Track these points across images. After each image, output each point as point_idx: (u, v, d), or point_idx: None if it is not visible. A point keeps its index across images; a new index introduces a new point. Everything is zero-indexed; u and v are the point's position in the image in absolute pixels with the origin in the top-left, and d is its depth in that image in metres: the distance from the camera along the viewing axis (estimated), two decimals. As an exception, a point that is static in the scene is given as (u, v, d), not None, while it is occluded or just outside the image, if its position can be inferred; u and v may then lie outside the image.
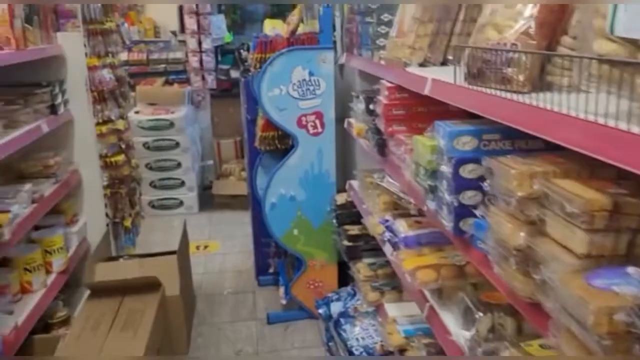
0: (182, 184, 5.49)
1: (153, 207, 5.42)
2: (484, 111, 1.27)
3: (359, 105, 2.46)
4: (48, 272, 2.87)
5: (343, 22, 3.30)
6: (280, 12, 7.27)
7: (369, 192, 2.63)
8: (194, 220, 5.26)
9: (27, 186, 2.68)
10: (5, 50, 2.52)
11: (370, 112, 2.21)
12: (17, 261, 2.67)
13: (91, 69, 3.23)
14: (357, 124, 2.65)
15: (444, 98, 1.47)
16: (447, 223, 1.41)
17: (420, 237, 1.99)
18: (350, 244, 2.93)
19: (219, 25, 5.76)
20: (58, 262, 2.93)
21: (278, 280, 3.74)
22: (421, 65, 1.91)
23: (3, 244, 2.27)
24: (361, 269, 2.74)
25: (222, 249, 4.62)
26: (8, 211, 2.36)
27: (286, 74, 3.06)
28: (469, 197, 1.35)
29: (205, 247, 4.64)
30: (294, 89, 3.09)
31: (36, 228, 2.95)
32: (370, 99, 2.24)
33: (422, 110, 2.02)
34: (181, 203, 5.52)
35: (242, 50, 3.71)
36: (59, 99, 3.07)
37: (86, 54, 3.23)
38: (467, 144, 1.34)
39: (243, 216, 5.26)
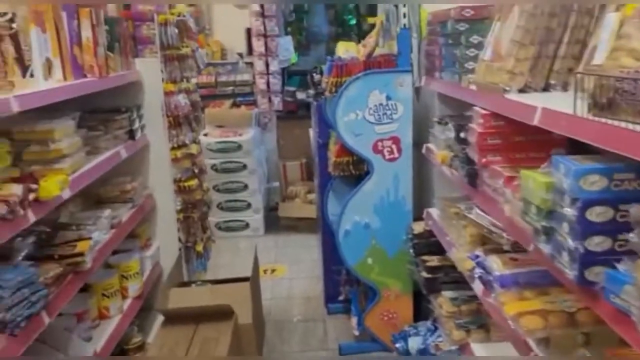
0: (249, 206, 5.49)
1: (220, 228, 5.43)
2: (616, 147, 1.13)
3: (446, 132, 2.33)
4: (124, 297, 2.87)
5: (420, 43, 3.19)
6: (345, 33, 7.27)
7: (453, 222, 2.48)
8: (259, 242, 5.22)
9: (107, 212, 2.70)
10: (89, 78, 2.56)
11: (461, 140, 2.09)
12: (96, 287, 2.68)
13: (167, 94, 3.26)
14: (440, 151, 2.52)
15: (561, 130, 1.33)
16: (569, 271, 1.26)
17: (518, 277, 1.84)
18: (429, 275, 2.79)
19: (286, 47, 5.77)
20: (134, 287, 2.94)
21: (348, 308, 3.62)
22: (521, 91, 1.78)
23: (85, 271, 2.27)
24: (443, 303, 2.59)
25: (289, 273, 4.55)
26: (89, 238, 2.37)
27: (362, 98, 2.98)
28: (597, 243, 1.21)
29: (272, 271, 4.59)
30: (370, 114, 3.00)
31: (113, 252, 2.97)
32: (460, 126, 2.11)
33: (521, 139, 1.88)
34: (247, 225, 5.51)
35: (314, 74, 3.67)
36: (137, 124, 3.11)
37: (162, 79, 3.26)
38: (595, 183, 1.20)
39: (309, 239, 5.20)
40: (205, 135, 5.40)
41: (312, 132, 5.57)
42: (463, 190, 2.26)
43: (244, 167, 5.40)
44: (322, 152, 3.62)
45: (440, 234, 2.72)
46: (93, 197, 2.99)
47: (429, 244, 2.94)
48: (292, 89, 6.10)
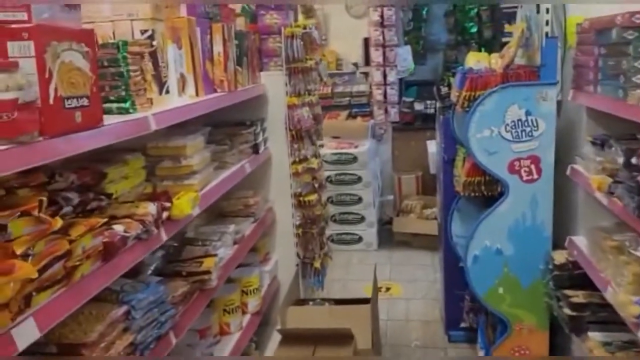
0: (362, 219, 5.36)
1: (332, 241, 5.34)
2: None
3: (607, 155, 2.04)
4: (244, 313, 2.84)
5: (565, 53, 2.89)
6: (465, 42, 6.92)
7: (609, 257, 2.17)
8: (373, 257, 5.09)
9: (231, 227, 2.68)
10: (219, 93, 2.55)
11: (632, 167, 1.80)
12: (218, 302, 2.67)
13: (290, 107, 3.21)
14: (594, 176, 2.22)
15: None
16: None
17: None
18: (574, 313, 2.48)
19: (405, 57, 5.58)
20: (253, 303, 2.90)
21: (472, 337, 3.36)
22: None
23: (211, 289, 2.24)
24: (594, 348, 2.27)
25: (405, 293, 4.35)
26: (215, 255, 2.35)
27: (499, 114, 2.73)
28: None
29: (387, 289, 4.41)
30: (507, 130, 2.74)
31: (233, 266, 2.96)
32: (632, 151, 1.82)
33: None
34: (360, 239, 5.38)
35: (441, 86, 3.46)
36: (260, 138, 3.09)
37: (286, 93, 3.22)
38: None
39: (424, 257, 4.98)
40: (322, 146, 5.34)
41: (429, 145, 5.34)
42: (629, 222, 1.95)
43: (359, 179, 5.28)
44: (447, 168, 3.39)
45: (589, 267, 2.40)
46: (216, 210, 3.00)
47: (572, 276, 2.62)
48: (409, 99, 5.91)
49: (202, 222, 2.82)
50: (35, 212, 1.23)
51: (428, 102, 5.80)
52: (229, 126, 2.95)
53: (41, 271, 1.24)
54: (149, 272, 2.21)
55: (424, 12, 6.78)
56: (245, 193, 3.06)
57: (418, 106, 5.86)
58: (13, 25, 1.23)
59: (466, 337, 3.48)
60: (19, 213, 1.19)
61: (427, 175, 5.62)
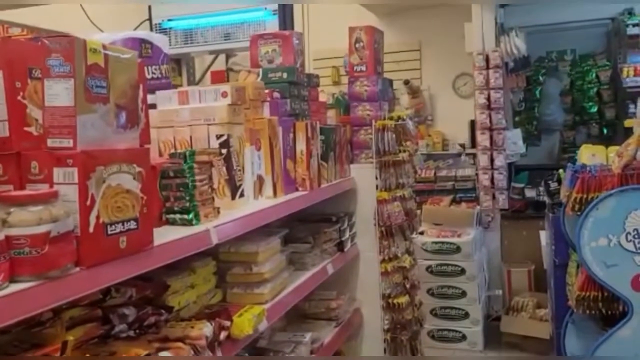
0: (466, 315, 4.91)
1: (433, 337, 4.93)
2: None
3: None
4: None
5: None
6: (583, 122, 6.43)
7: None
8: (477, 359, 4.61)
9: (308, 336, 2.49)
10: (300, 192, 2.45)
11: None
12: (291, 419, 2.45)
13: (380, 202, 3.04)
14: None
15: None
16: None
17: None
18: None
19: (514, 141, 5.25)
20: (331, 420, 2.65)
21: None
22: None
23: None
24: None
25: (513, 408, 3.83)
26: (285, 370, 2.17)
27: (618, 220, 2.37)
28: None
29: (492, 402, 3.91)
30: (628, 240, 2.36)
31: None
32: None
33: None
34: (464, 337, 4.91)
35: (550, 182, 3.12)
36: (347, 235, 2.93)
37: (377, 187, 3.06)
38: None
39: (537, 366, 4.42)
40: (421, 233, 5.06)
41: (542, 235, 4.86)
42: None
43: (462, 271, 4.89)
44: (558, 275, 2.99)
45: None
46: (297, 311, 2.83)
47: None
48: (520, 185, 5.49)
49: (281, 325, 2.67)
50: (57, 355, 1.13)
51: (541, 188, 5.34)
52: (313, 222, 2.83)
53: (62, 418, 1.13)
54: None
55: (537, 92, 6.44)
56: (328, 294, 2.88)
57: (529, 193, 5.42)
58: (59, 152, 1.20)
59: None
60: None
61: (540, 269, 5.08)
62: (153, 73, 2.28)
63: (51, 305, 1.12)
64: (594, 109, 6.30)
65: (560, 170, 3.10)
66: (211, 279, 2.06)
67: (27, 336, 1.22)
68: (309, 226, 2.78)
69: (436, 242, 4.97)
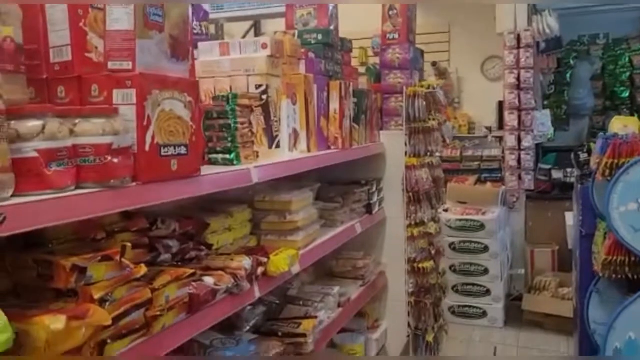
0: (488, 292, 4.94)
1: (453, 313, 4.97)
2: None
3: None
4: (345, 382, 2.67)
5: None
6: (614, 107, 6.37)
7: None
8: (497, 335, 4.64)
9: (336, 289, 2.56)
10: (332, 150, 2.51)
11: None
12: (317, 368, 2.53)
13: (409, 168, 3.09)
14: None
15: None
16: None
17: None
18: None
19: (543, 122, 5.22)
20: (355, 374, 2.73)
21: None
22: None
23: (306, 353, 2.12)
24: None
25: (532, 381, 3.87)
26: (315, 317, 2.24)
27: (648, 185, 2.37)
28: None
29: (512, 375, 3.96)
30: (657, 204, 2.37)
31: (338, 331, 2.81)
32: None
33: None
34: (484, 314, 4.94)
35: (580, 153, 3.13)
36: (375, 198, 2.98)
37: (406, 153, 3.11)
38: None
39: (558, 342, 4.42)
40: (446, 211, 5.09)
41: (568, 217, 4.85)
42: None
43: (486, 249, 4.91)
44: (584, 244, 3.00)
45: None
46: (325, 269, 2.91)
47: None
48: (547, 167, 5.47)
49: (310, 280, 2.74)
50: (117, 257, 1.22)
51: (568, 170, 5.33)
52: (342, 184, 2.89)
53: (118, 318, 1.22)
54: (247, 328, 2.15)
55: (568, 76, 6.39)
56: (356, 254, 2.95)
57: (556, 174, 5.40)
58: (119, 74, 1.28)
59: None
60: (99, 257, 1.19)
61: (564, 250, 5.08)
62: (194, 28, 2.36)
63: (112, 211, 1.20)
64: (626, 94, 6.23)
65: (591, 143, 3.10)
66: (247, 225, 2.14)
67: (87, 246, 1.31)
68: (339, 188, 2.85)
69: (460, 220, 4.99)
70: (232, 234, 2.03)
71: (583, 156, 3.10)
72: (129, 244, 1.27)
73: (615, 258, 2.50)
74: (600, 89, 6.39)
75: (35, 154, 1.06)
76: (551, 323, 4.68)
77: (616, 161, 2.45)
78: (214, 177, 1.58)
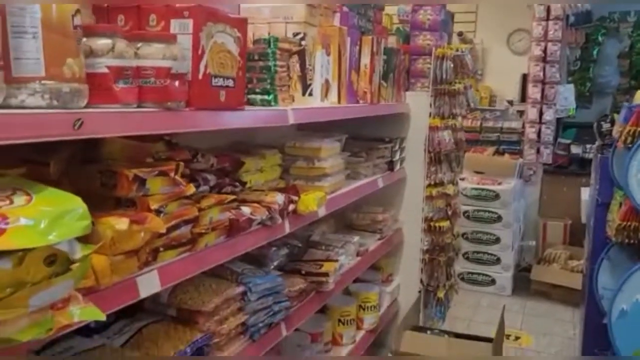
0: (498, 261, 5.04)
1: (462, 279, 5.09)
2: None
3: None
4: (359, 328, 2.80)
5: None
6: (639, 86, 6.33)
7: None
8: (504, 303, 4.73)
9: (356, 238, 2.67)
10: (361, 104, 2.59)
11: None
12: (334, 311, 2.66)
13: (432, 129, 3.16)
14: None
15: None
16: None
17: None
18: None
19: (566, 96, 5.24)
20: (369, 320, 2.85)
21: (609, 406, 2.97)
22: None
23: (327, 292, 2.25)
24: None
25: (536, 345, 3.99)
26: (336, 260, 2.35)
27: (667, 153, 2.43)
28: None
29: (517, 338, 4.08)
30: (675, 173, 2.43)
31: (354, 280, 2.93)
32: None
33: None
34: (493, 281, 5.06)
35: (602, 123, 3.18)
36: (397, 156, 3.07)
37: (430, 114, 3.17)
38: None
39: (564, 313, 4.54)
40: (462, 179, 5.16)
41: (583, 192, 4.90)
42: None
43: (499, 218, 4.99)
44: (599, 213, 3.08)
45: None
46: (345, 221, 3.02)
47: None
48: (566, 141, 5.51)
49: (329, 230, 2.85)
50: (172, 174, 1.32)
51: (587, 145, 5.36)
52: (367, 140, 2.98)
53: (170, 230, 1.33)
54: (272, 267, 2.27)
55: (595, 52, 6.34)
56: (375, 209, 3.05)
57: (575, 149, 5.44)
58: (177, 5, 1.36)
59: (602, 404, 3.09)
60: (157, 172, 1.29)
61: (577, 225, 5.16)
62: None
63: (168, 130, 1.30)
64: (653, 74, 6.18)
65: (614, 114, 3.15)
66: (277, 170, 2.24)
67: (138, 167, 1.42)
68: (364, 143, 2.93)
69: (476, 189, 5.07)
70: (264, 175, 2.13)
71: (605, 126, 3.15)
72: (182, 163, 1.38)
73: (629, 224, 2.58)
74: (627, 68, 6.34)
75: (106, 70, 1.16)
76: (558, 294, 4.79)
77: (638, 129, 2.51)
78: (256, 113, 1.67)
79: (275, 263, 2.29)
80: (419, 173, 3.19)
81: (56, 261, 0.93)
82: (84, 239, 0.99)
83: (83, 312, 1.01)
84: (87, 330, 1.46)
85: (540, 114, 5.27)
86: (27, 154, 1.26)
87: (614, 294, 2.64)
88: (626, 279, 2.58)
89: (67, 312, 0.99)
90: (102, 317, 1.04)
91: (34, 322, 0.93)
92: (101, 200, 1.27)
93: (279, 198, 1.83)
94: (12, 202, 0.92)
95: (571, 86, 5.40)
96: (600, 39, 6.26)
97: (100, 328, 1.50)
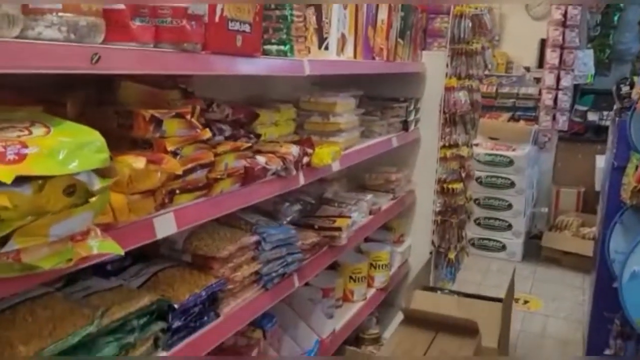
0: (509, 227, 5.04)
1: (473, 245, 5.11)
2: None
3: None
4: (369, 285, 2.83)
5: None
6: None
7: None
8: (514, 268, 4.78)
9: (369, 197, 2.67)
10: (377, 60, 2.55)
11: None
12: (345, 268, 2.68)
13: (448, 89, 3.12)
14: None
15: None
16: None
17: None
18: None
19: (585, 62, 5.14)
20: (380, 279, 2.87)
21: (616, 368, 2.99)
22: None
23: (339, 247, 2.26)
24: None
25: (545, 309, 4.01)
26: (349, 217, 2.36)
27: (689, 115, 2.39)
28: None
29: (525, 302, 4.11)
30: (696, 135, 2.39)
31: (365, 239, 2.94)
32: None
33: None
34: (504, 247, 5.07)
35: (621, 85, 3.11)
36: (412, 117, 3.04)
37: (446, 74, 3.13)
38: None
39: (574, 279, 4.55)
40: (476, 145, 5.12)
41: (599, 159, 4.85)
42: None
43: (512, 184, 4.97)
44: (614, 176, 3.05)
45: None
46: (358, 181, 3.02)
47: None
48: (583, 108, 5.43)
49: (342, 189, 2.85)
50: (188, 117, 1.32)
51: (604, 113, 5.28)
52: (382, 99, 2.95)
53: (185, 173, 1.33)
54: (285, 222, 2.28)
55: (615, 18, 6.18)
56: (389, 169, 3.04)
57: (592, 116, 5.37)
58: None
59: (609, 366, 3.11)
60: (173, 113, 1.29)
61: (590, 192, 5.14)
62: None
63: (183, 71, 1.30)
64: (673, 40, 6.03)
65: (634, 77, 3.09)
66: (291, 124, 2.24)
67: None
68: (378, 102, 2.91)
69: (489, 154, 5.04)
70: (278, 129, 2.12)
71: (625, 89, 3.09)
72: (197, 106, 1.37)
73: (645, 186, 2.55)
74: (648, 34, 6.19)
75: (122, 7, 1.14)
76: (569, 260, 4.79)
77: (659, 90, 2.46)
78: (272, 61, 1.66)
79: (289, 218, 2.30)
80: (433, 134, 3.16)
81: (75, 192, 0.94)
82: (101, 174, 1.00)
83: (102, 245, 1.02)
84: (104, 272, 1.48)
85: (558, 80, 5.18)
86: (44, 94, 1.27)
87: (625, 256, 2.63)
88: (639, 242, 2.56)
89: (86, 245, 1.00)
90: (120, 252, 1.06)
91: (54, 252, 0.94)
92: (117, 142, 1.27)
93: (294, 149, 1.83)
94: (30, 133, 0.93)
95: (590, 51, 5.29)
96: (622, 4, 6.09)
97: (117, 270, 1.52)
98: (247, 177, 1.60)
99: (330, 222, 2.28)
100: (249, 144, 1.61)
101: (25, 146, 0.87)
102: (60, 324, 1.09)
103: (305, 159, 1.91)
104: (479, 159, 5.01)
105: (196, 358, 1.46)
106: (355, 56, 2.41)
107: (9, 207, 0.82)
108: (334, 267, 2.70)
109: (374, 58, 2.56)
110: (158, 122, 1.25)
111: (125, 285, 1.42)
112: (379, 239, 3.08)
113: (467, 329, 2.57)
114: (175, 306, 1.38)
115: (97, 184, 0.96)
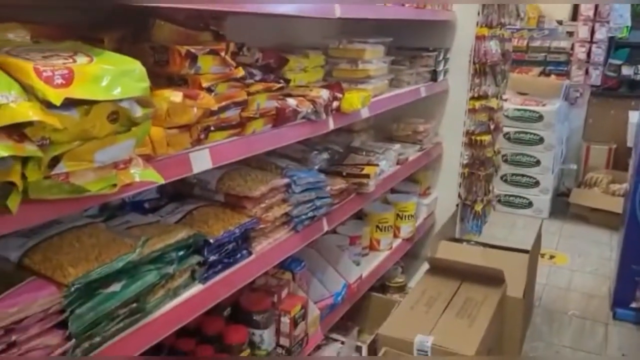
0: (536, 183, 5.00)
1: (499, 201, 5.07)
2: None
3: None
4: (395, 235, 2.86)
5: None
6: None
7: None
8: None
9: (396, 146, 2.68)
10: (407, 6, 2.51)
11: None
12: (372, 217, 2.72)
13: (478, 38, 3.05)
14: None
15: None
16: None
17: None
18: None
19: (621, 14, 4.96)
20: (406, 229, 2.90)
21: (642, 320, 3.01)
22: None
23: (367, 194, 2.28)
24: None
25: (571, 264, 4.01)
26: (377, 165, 2.37)
27: None
28: None
29: (551, 257, 4.11)
30: None
31: (392, 191, 2.96)
32: None
33: None
34: (530, 204, 5.04)
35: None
36: (441, 67, 3.00)
37: (477, 23, 3.06)
38: None
39: (601, 235, 4.51)
40: (505, 100, 5.03)
41: (632, 115, 4.75)
42: None
43: (541, 140, 4.90)
44: (649, 129, 3.00)
45: None
46: (385, 132, 3.01)
47: None
48: (617, 62, 5.27)
49: (371, 140, 2.86)
50: (222, 54, 1.33)
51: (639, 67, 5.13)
52: (411, 49, 2.91)
53: (220, 110, 1.36)
54: (313, 169, 2.31)
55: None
56: (416, 120, 3.02)
57: (626, 71, 5.22)
58: None
59: (635, 317, 3.13)
60: (208, 50, 1.30)
61: (622, 149, 5.05)
62: None
63: (217, 7, 1.30)
64: None
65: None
66: (320, 71, 2.24)
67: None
68: (407, 52, 2.87)
69: (519, 109, 4.95)
70: (307, 75, 2.13)
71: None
72: (232, 43, 1.38)
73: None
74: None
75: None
76: (597, 217, 4.75)
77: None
78: (302, 5, 1.64)
79: (317, 166, 2.32)
80: (462, 85, 3.12)
81: (118, 119, 0.97)
82: (141, 104, 1.02)
83: (143, 174, 1.06)
84: (142, 210, 1.53)
85: (592, 32, 5.03)
86: (81, 31, 1.29)
87: (657, 208, 2.61)
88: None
89: (129, 173, 1.04)
90: (161, 180, 1.09)
91: (99, 177, 0.98)
92: (154, 80, 1.29)
93: (324, 93, 1.84)
94: (75, 61, 0.95)
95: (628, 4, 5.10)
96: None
97: (154, 209, 1.57)
98: (279, 118, 1.62)
99: (359, 170, 2.29)
100: (281, 85, 1.62)
101: (71, 72, 0.90)
102: (105, 250, 1.14)
103: (335, 104, 1.92)
104: (508, 114, 4.92)
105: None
106: (385, 2, 2.38)
107: (59, 129, 0.85)
108: (360, 217, 2.73)
109: (403, 5, 2.52)
110: (193, 58, 1.27)
111: (163, 221, 1.47)
112: (405, 190, 3.09)
113: (492, 279, 2.59)
114: (211, 241, 1.43)
115: (139, 112, 0.99)
